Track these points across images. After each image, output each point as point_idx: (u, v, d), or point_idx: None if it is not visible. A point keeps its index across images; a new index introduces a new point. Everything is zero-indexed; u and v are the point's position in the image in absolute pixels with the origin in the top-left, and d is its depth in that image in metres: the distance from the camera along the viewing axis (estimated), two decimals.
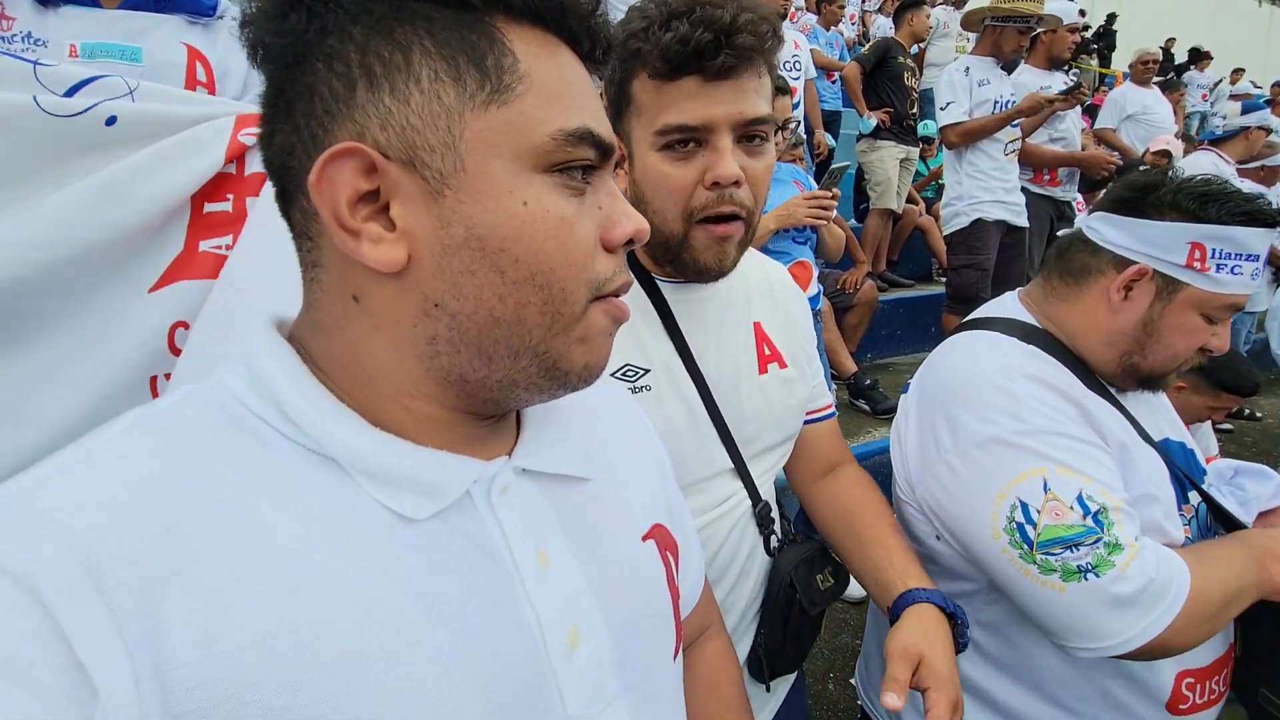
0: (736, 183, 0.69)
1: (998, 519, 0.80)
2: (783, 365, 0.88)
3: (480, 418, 0.43)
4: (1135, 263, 0.87)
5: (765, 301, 0.89)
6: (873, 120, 4.02)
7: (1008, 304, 1.00)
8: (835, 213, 2.05)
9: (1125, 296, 0.88)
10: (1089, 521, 0.77)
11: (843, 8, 4.79)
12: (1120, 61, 10.57)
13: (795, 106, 3.90)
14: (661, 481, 0.60)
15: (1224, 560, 0.82)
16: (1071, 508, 0.77)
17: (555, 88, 0.38)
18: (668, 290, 0.82)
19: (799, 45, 3.99)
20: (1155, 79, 5.05)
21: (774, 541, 0.90)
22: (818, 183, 2.17)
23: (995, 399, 0.84)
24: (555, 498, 0.47)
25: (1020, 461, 0.80)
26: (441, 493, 0.40)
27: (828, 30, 4.96)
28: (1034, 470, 0.79)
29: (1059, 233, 3.43)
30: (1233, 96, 8.14)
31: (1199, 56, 10.37)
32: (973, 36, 3.51)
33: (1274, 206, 0.85)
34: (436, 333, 0.39)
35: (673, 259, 0.76)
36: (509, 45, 0.37)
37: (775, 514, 0.92)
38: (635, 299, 0.78)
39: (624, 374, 0.77)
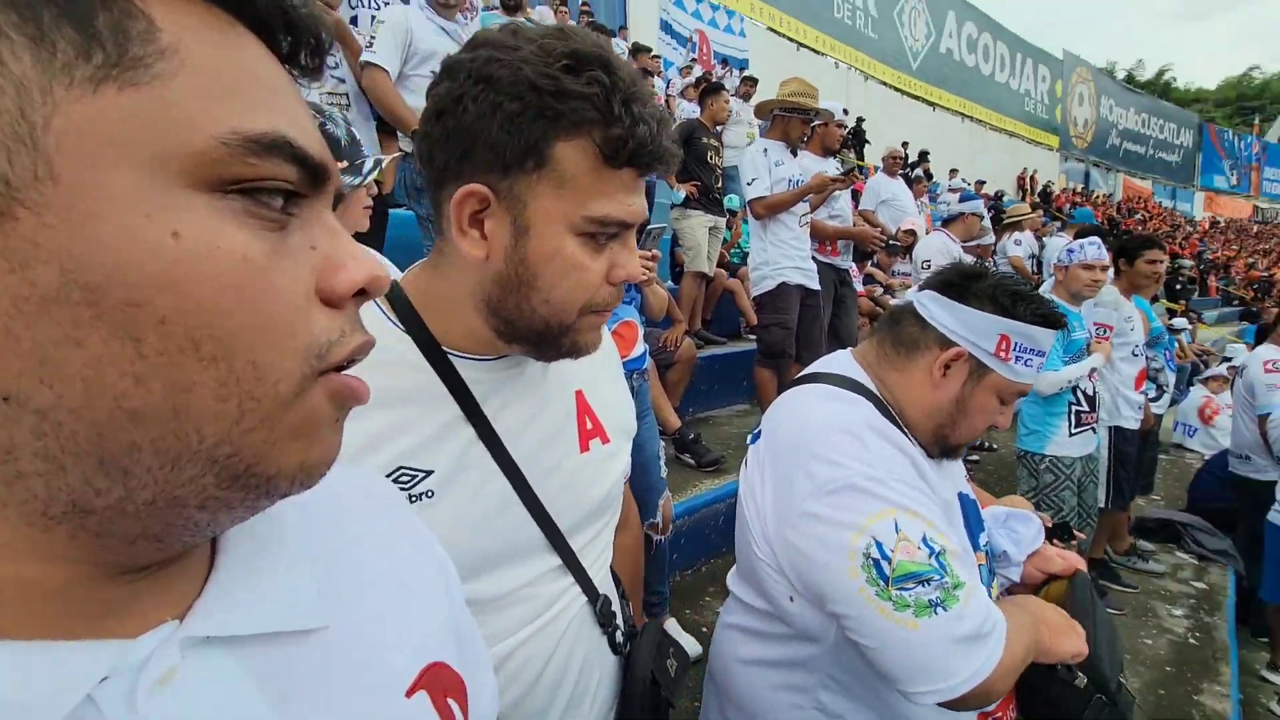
0: None
1: (855, 557, 0.82)
2: (605, 439, 0.82)
3: (124, 570, 0.28)
4: (956, 344, 0.98)
5: (587, 366, 0.78)
6: (682, 192, 4.36)
7: (843, 361, 1.07)
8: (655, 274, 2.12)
9: (944, 374, 0.98)
10: (933, 561, 0.82)
11: (652, 90, 5.19)
12: (869, 157, 12.89)
13: None
14: (448, 605, 0.47)
15: (1014, 617, 0.89)
16: (919, 547, 0.82)
17: (229, 77, 0.27)
18: (467, 368, 0.67)
19: None
20: (900, 172, 6.18)
21: (619, 636, 0.81)
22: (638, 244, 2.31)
23: (847, 446, 0.89)
24: (265, 668, 0.33)
25: (873, 503, 0.84)
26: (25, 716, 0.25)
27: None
28: (886, 511, 0.83)
29: (843, 295, 4.00)
30: (951, 189, 10.15)
31: (923, 158, 12.99)
32: (759, 124, 4.04)
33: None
34: (14, 443, 0.24)
35: (544, 342, 0.66)
36: (140, 6, 0.25)
37: (616, 603, 0.83)
38: (412, 381, 0.65)
39: (396, 479, 0.64)
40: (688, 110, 6.68)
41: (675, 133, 4.49)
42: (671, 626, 2.21)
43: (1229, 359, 6.86)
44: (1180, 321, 7.91)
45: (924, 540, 0.82)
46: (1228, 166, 35.18)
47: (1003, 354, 0.96)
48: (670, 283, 5.38)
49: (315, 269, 0.30)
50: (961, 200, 4.65)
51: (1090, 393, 2.77)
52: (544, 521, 0.72)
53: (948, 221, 4.88)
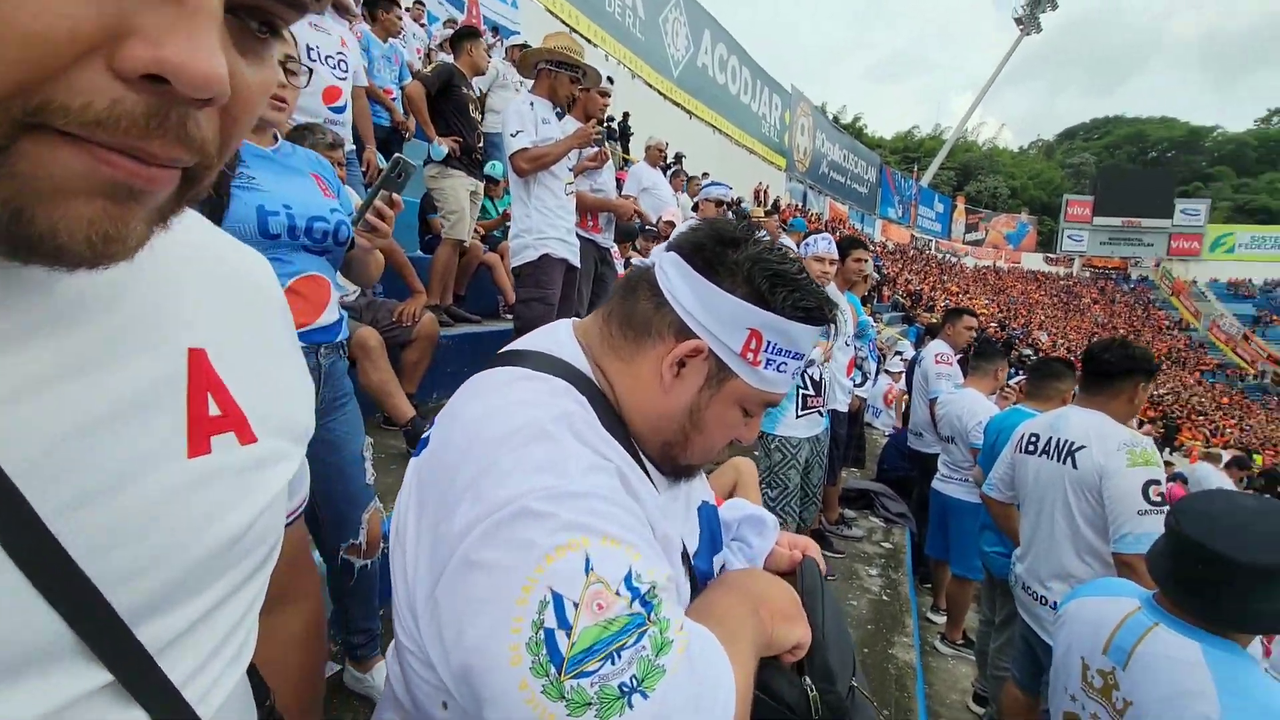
0: None
1: (520, 629, 0.53)
2: (247, 437, 0.46)
3: None
4: (695, 336, 0.72)
5: (218, 312, 0.47)
6: (444, 147, 3.81)
7: (561, 336, 0.79)
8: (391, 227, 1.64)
9: (677, 374, 0.72)
10: (636, 606, 0.56)
11: (400, 19, 4.43)
12: (633, 151, 13.35)
13: (340, 110, 3.41)
14: None
15: (734, 618, 0.70)
16: (618, 593, 0.56)
17: None
18: None
19: (346, 43, 3.49)
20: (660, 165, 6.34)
21: None
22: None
23: (535, 453, 0.60)
24: None
25: (556, 533, 0.56)
26: None
27: (384, 42, 4.53)
28: (574, 543, 0.56)
29: (603, 274, 3.86)
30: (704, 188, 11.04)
31: (679, 159, 13.91)
32: (525, 85, 3.69)
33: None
34: None
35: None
36: None
37: None
38: None
39: None
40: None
41: (434, 79, 3.96)
42: (381, 672, 1.76)
43: (900, 353, 8.44)
44: (867, 320, 9.65)
45: (627, 580, 0.57)
46: (897, 201, 44.44)
47: (751, 355, 0.71)
48: (419, 251, 4.77)
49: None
50: (712, 185, 4.84)
51: (816, 378, 2.99)
52: (74, 600, 0.36)
53: (695, 206, 5.10)
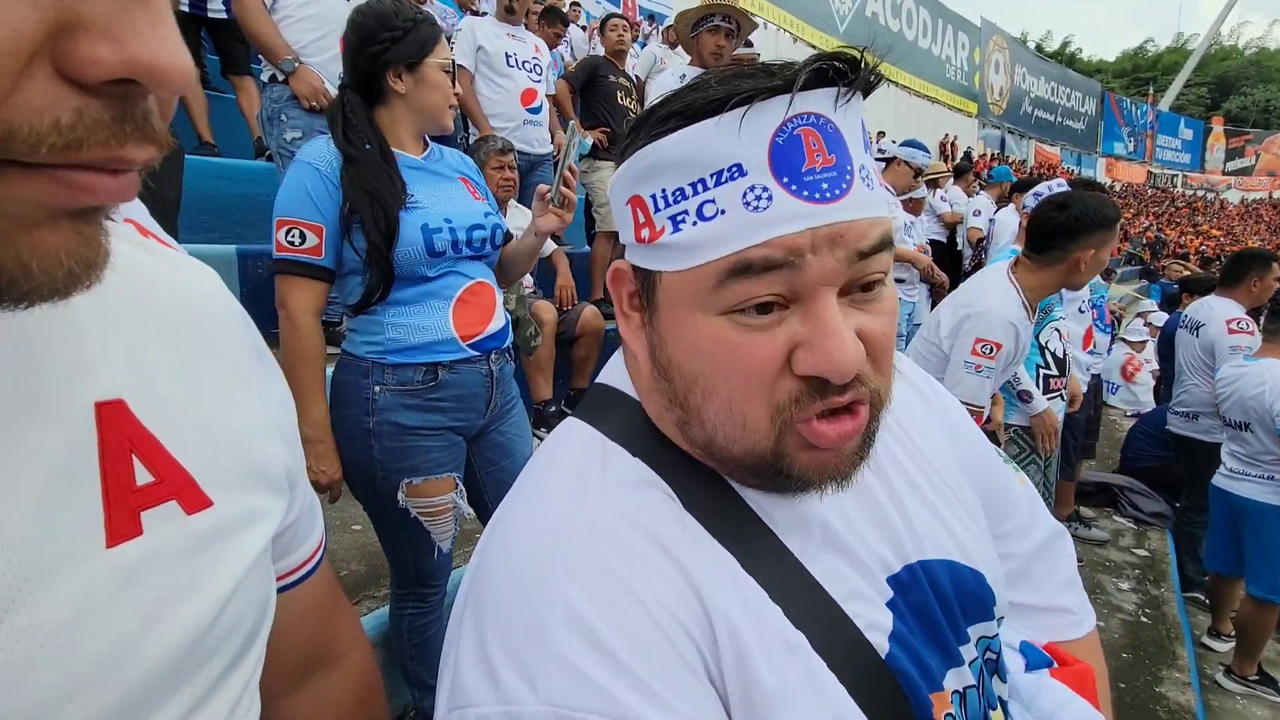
0: None
1: None
2: (196, 499, 0.35)
3: None
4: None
5: (142, 338, 0.36)
6: (589, 140, 3.81)
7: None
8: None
9: (625, 317, 0.50)
10: None
11: (564, 31, 4.53)
12: None
13: (536, 110, 3.60)
14: None
15: None
16: None
17: None
18: None
19: (539, 50, 3.65)
20: None
21: None
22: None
23: (488, 632, 0.42)
24: None
25: None
26: None
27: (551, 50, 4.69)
28: None
29: None
30: (880, 150, 10.07)
31: None
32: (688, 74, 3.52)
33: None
34: None
35: None
36: None
37: None
38: None
39: None
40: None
41: (579, 74, 3.97)
42: None
43: (1142, 314, 6.96)
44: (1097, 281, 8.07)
45: None
46: (1126, 134, 37.26)
47: (646, 231, 0.44)
48: (586, 246, 4.85)
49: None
50: (900, 146, 4.28)
51: (1060, 354, 2.43)
52: None
53: (885, 167, 4.56)
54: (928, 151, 4.51)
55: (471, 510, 1.48)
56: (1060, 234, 1.90)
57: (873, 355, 0.42)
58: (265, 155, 3.59)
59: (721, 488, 0.47)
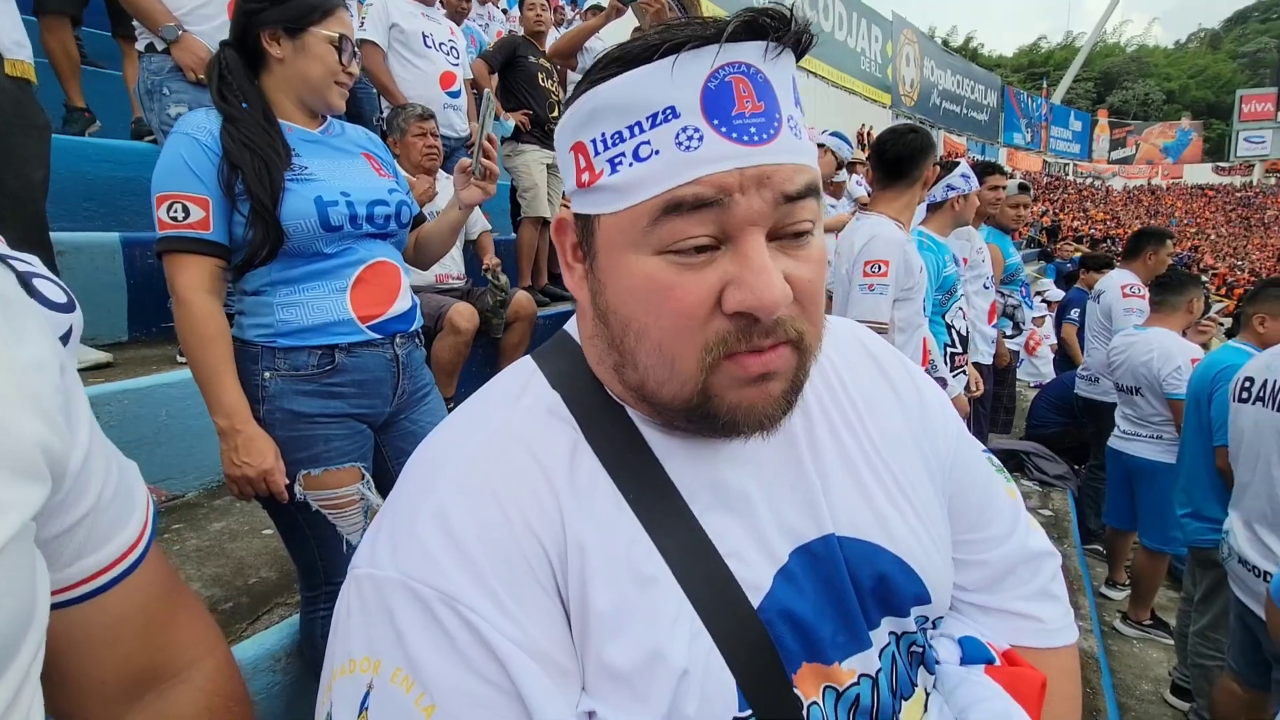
0: None
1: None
2: None
3: None
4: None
5: None
6: (511, 122, 3.69)
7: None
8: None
9: (569, 269, 0.52)
10: None
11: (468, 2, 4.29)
12: None
13: (455, 95, 3.48)
14: None
15: None
16: None
17: None
18: None
19: (454, 31, 3.52)
20: None
21: None
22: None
23: (403, 496, 0.50)
24: None
25: (352, 638, 0.44)
26: None
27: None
28: (362, 664, 0.43)
29: None
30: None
31: None
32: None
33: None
34: None
35: None
36: None
37: None
38: None
39: None
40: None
41: (497, 54, 3.83)
42: None
43: (1041, 293, 7.47)
44: (1018, 262, 8.61)
45: None
46: (1024, 125, 39.80)
47: (586, 175, 0.45)
48: (513, 234, 4.73)
49: None
50: (828, 135, 4.39)
51: (964, 331, 2.56)
52: None
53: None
54: (852, 146, 4.66)
55: (382, 501, 1.40)
56: (915, 154, 2.17)
57: (800, 301, 0.44)
58: (145, 137, 3.29)
59: (631, 433, 0.49)
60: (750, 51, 0.42)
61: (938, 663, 0.57)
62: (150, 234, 2.53)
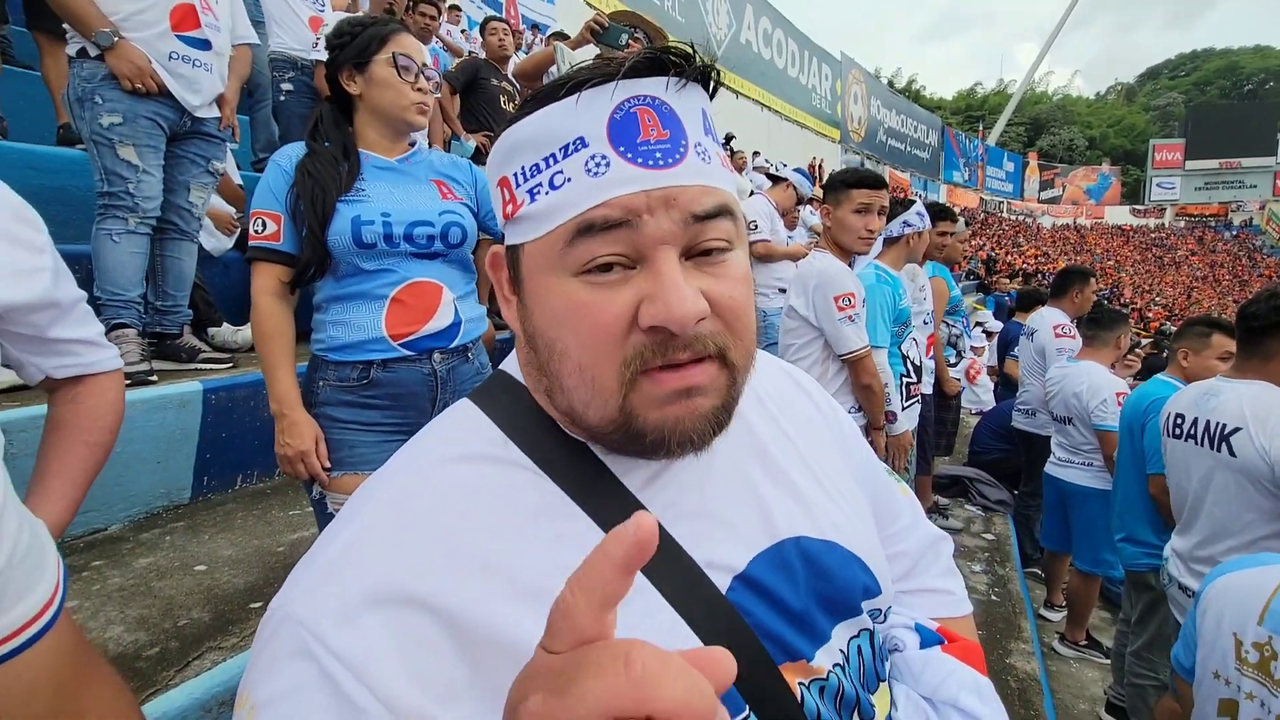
0: None
1: None
2: None
3: None
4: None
5: None
6: (471, 143, 3.67)
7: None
8: None
9: (507, 302, 0.53)
10: None
11: (433, 20, 4.25)
12: None
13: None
14: None
15: None
16: None
17: None
18: None
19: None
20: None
21: None
22: None
23: (322, 551, 0.48)
24: None
25: (255, 671, 0.42)
26: None
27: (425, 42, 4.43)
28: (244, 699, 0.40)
29: None
30: (755, 168, 10.79)
31: (729, 140, 13.61)
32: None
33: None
34: None
35: None
36: None
37: None
38: None
39: None
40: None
41: (459, 76, 3.81)
42: None
43: (980, 324, 7.82)
44: (959, 295, 9.04)
45: None
46: (962, 164, 42.00)
47: (510, 207, 0.48)
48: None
49: None
50: (793, 170, 4.54)
51: (918, 361, 2.63)
52: None
53: (773, 185, 4.85)
54: (813, 183, 4.82)
55: None
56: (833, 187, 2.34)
57: (723, 318, 0.45)
58: (75, 144, 3.11)
59: (586, 456, 0.49)
60: (654, 85, 0.45)
61: (898, 650, 0.63)
62: (79, 247, 2.38)
